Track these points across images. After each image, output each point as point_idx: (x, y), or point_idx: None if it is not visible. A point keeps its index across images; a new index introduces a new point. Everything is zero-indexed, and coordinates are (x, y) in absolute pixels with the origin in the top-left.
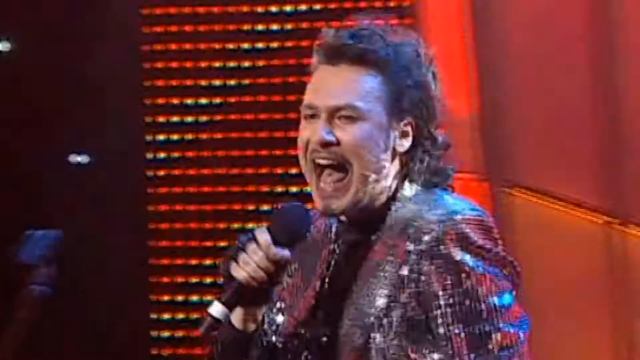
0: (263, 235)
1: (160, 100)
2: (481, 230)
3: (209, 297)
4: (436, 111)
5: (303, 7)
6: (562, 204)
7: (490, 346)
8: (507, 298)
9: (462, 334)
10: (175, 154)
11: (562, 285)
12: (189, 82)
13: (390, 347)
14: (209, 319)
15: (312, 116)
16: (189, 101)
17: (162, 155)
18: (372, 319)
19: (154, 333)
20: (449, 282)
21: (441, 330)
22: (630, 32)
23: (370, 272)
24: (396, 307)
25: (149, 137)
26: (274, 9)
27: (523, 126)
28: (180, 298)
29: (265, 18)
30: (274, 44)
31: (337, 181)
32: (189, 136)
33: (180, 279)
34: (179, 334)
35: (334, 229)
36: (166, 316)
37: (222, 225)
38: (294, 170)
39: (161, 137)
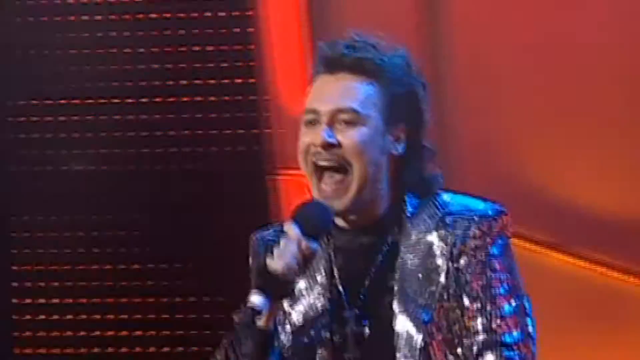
0: (294, 229)
1: None
2: (507, 225)
3: None
4: (425, 119)
5: None
6: None
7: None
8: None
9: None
10: None
11: None
12: None
13: (445, 341)
14: (249, 310)
15: (313, 122)
16: None
17: None
18: (429, 314)
19: None
20: (486, 274)
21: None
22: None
23: (414, 270)
24: (444, 302)
25: None
26: None
27: None
28: None
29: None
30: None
31: (338, 182)
32: None
33: None
34: None
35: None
36: None
37: None
38: None
39: None
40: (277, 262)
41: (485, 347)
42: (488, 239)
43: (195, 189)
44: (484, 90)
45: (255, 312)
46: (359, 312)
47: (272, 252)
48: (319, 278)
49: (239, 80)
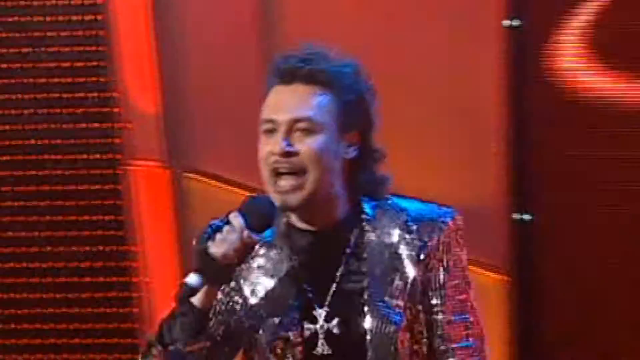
0: (238, 219)
1: None
2: (462, 226)
3: None
4: (375, 123)
5: None
6: (234, 187)
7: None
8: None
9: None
10: None
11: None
12: None
13: (413, 338)
14: (185, 287)
15: (271, 130)
16: None
17: None
18: (397, 313)
19: None
20: (450, 266)
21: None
22: (295, 19)
23: (382, 272)
24: (411, 301)
25: None
26: None
27: (202, 116)
28: None
29: None
30: None
31: (294, 182)
32: None
33: None
34: None
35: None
36: None
37: None
38: None
39: None
40: (217, 247)
41: (450, 340)
42: (452, 241)
43: (54, 179)
44: None
45: (188, 288)
46: (329, 310)
47: (214, 238)
48: (285, 280)
49: (93, 79)
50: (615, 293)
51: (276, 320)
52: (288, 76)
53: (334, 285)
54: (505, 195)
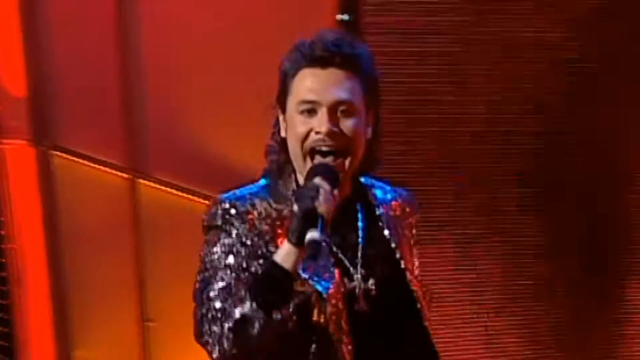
0: (325, 183)
1: None
2: None
3: None
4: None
5: None
6: (93, 163)
7: None
8: None
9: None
10: None
11: (92, 234)
12: None
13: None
14: (315, 244)
15: (310, 111)
16: None
17: None
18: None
19: None
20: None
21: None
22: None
23: (396, 234)
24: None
25: None
26: None
27: (65, 95)
28: None
29: None
30: None
31: (334, 160)
32: None
33: None
34: None
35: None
36: None
37: None
38: None
39: None
40: (324, 206)
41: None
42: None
43: None
44: (166, 81)
45: (318, 243)
46: (363, 272)
47: (317, 199)
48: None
49: None
50: None
51: (316, 277)
52: (323, 61)
53: (359, 250)
54: None
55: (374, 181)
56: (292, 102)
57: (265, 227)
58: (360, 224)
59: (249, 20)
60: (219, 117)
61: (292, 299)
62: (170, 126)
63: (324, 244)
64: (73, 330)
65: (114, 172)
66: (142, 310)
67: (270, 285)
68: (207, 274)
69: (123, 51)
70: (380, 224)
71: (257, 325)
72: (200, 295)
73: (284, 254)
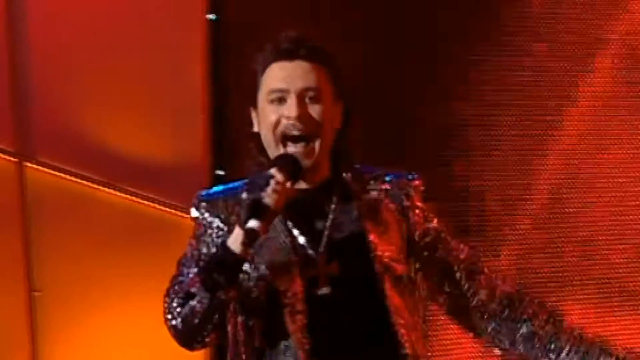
0: (279, 174)
1: None
2: None
3: None
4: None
5: None
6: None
7: None
8: None
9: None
10: None
11: None
12: None
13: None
14: (252, 232)
15: (279, 99)
16: None
17: None
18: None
19: None
20: (427, 219)
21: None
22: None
23: (374, 219)
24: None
25: None
26: None
27: None
28: None
29: None
30: None
31: (303, 147)
32: None
33: None
34: None
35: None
36: None
37: None
38: None
39: None
40: (270, 197)
41: (461, 251)
42: (418, 194)
43: None
44: (54, 69)
45: (255, 233)
46: (325, 255)
47: (264, 190)
48: (281, 236)
49: None
50: None
51: (275, 264)
52: (289, 54)
53: (325, 234)
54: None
55: (376, 169)
56: (262, 95)
57: (234, 218)
58: (332, 206)
59: (131, 16)
60: (103, 105)
61: (237, 281)
62: (56, 114)
63: (263, 235)
64: None
65: (2, 155)
66: (29, 281)
67: (216, 265)
68: (183, 259)
69: (11, 40)
70: (356, 211)
71: (200, 303)
72: (172, 277)
73: (233, 237)
